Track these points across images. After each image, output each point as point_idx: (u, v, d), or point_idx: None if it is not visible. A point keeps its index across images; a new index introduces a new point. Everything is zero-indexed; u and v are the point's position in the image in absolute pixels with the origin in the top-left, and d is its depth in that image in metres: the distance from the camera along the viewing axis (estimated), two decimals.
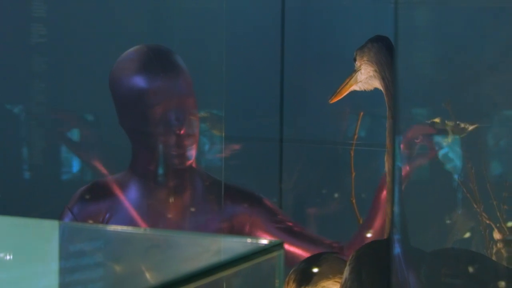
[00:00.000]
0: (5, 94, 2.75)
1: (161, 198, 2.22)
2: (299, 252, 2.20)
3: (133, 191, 2.23)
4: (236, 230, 2.23)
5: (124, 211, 2.21)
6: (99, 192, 2.24)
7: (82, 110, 2.72)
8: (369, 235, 2.15)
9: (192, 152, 2.20)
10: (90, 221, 2.20)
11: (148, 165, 2.22)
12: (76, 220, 2.19)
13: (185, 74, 2.21)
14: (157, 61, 2.19)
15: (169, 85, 2.18)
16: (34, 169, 2.77)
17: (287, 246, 2.21)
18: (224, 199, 2.24)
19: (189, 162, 2.21)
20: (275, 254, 1.37)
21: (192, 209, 2.23)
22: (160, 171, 2.21)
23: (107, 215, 2.20)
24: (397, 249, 1.86)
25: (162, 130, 2.17)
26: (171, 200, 2.22)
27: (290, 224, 2.25)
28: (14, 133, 2.80)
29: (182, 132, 2.17)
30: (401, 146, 2.08)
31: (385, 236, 1.96)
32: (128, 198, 2.22)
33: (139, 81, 2.17)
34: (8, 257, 1.58)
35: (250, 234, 2.24)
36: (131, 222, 2.20)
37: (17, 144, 2.79)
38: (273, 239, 2.22)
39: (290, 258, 2.20)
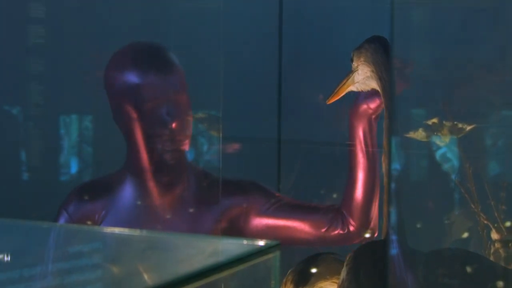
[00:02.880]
0: (2, 96, 2.75)
1: (155, 193, 2.23)
2: (302, 226, 2.20)
3: (128, 188, 2.24)
4: (232, 223, 2.23)
5: (119, 208, 2.22)
6: (93, 191, 2.24)
7: (80, 110, 2.73)
8: (358, 194, 2.15)
9: (185, 148, 2.21)
10: (86, 220, 2.20)
11: (141, 160, 2.22)
12: (72, 219, 2.20)
13: (178, 71, 2.22)
14: (150, 56, 2.21)
15: (161, 80, 2.19)
16: (31, 171, 2.77)
17: (287, 223, 2.21)
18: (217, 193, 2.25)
19: (182, 158, 2.22)
20: (271, 255, 1.37)
21: (186, 204, 2.23)
22: (153, 166, 2.22)
23: (103, 213, 2.21)
24: (394, 250, 1.86)
25: (155, 125, 2.18)
26: (164, 195, 2.23)
27: (285, 200, 2.25)
28: (11, 135, 2.80)
29: (174, 126, 2.17)
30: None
31: (383, 236, 1.96)
32: (122, 195, 2.23)
33: (132, 76, 2.18)
34: (5, 260, 1.58)
35: (246, 224, 2.24)
36: (126, 219, 2.20)
37: (15, 146, 2.79)
38: (271, 220, 2.23)
39: (292, 235, 2.20)
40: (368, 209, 2.15)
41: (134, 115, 2.19)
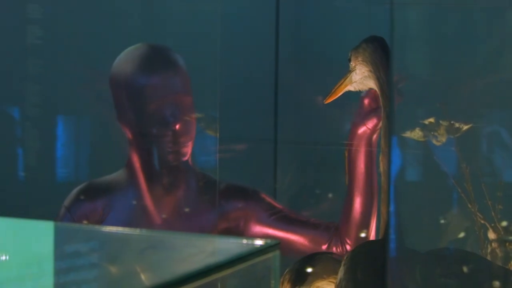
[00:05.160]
0: (1, 96, 2.75)
1: (156, 194, 2.23)
2: (301, 241, 2.21)
3: (129, 188, 2.24)
4: (231, 226, 2.24)
5: (120, 207, 2.22)
6: (95, 191, 2.25)
7: (79, 111, 2.73)
8: (355, 216, 2.15)
9: (187, 149, 2.22)
10: (87, 220, 2.21)
11: (144, 161, 2.23)
12: (74, 218, 2.21)
13: (183, 73, 2.23)
14: (155, 58, 2.21)
15: (166, 82, 2.19)
16: (30, 170, 2.76)
17: (286, 235, 2.22)
18: (219, 196, 2.25)
19: (184, 159, 2.22)
20: (270, 255, 1.37)
21: (187, 206, 2.24)
22: (155, 167, 2.22)
23: (104, 213, 2.21)
24: (392, 249, 1.86)
25: (158, 126, 2.19)
26: (166, 196, 2.23)
27: (285, 212, 2.25)
28: (10, 135, 2.80)
29: (177, 127, 2.18)
30: None
31: (380, 236, 1.96)
32: (124, 195, 2.24)
33: (137, 78, 2.18)
34: (4, 258, 1.58)
35: (246, 229, 2.24)
36: (127, 219, 2.21)
37: (13, 146, 2.79)
38: (270, 230, 2.23)
39: (290, 247, 2.20)
40: (365, 229, 2.15)
41: (138, 115, 2.19)
